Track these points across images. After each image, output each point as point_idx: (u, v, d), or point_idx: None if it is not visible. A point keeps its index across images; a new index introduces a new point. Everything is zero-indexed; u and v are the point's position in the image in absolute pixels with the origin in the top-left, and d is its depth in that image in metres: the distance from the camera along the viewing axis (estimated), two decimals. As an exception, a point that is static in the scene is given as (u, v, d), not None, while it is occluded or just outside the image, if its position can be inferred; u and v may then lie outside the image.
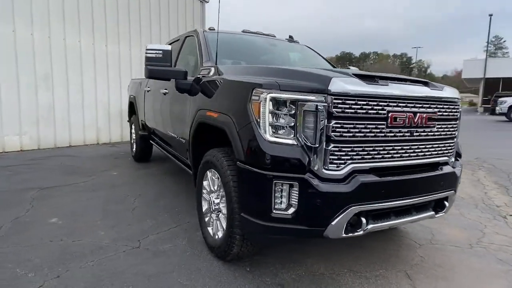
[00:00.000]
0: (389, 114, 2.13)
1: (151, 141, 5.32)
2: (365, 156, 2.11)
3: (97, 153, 6.99)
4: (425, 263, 2.73)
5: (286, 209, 2.04)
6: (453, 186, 2.52)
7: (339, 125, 2.01)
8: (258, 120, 2.08)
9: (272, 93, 2.03)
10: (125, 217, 3.49)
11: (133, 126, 6.29)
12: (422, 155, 2.34)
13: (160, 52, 3.17)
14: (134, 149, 6.21)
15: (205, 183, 2.86)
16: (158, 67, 3.17)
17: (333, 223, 2.02)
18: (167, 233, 3.12)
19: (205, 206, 2.90)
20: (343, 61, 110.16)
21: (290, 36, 4.43)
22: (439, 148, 2.44)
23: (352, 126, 2.04)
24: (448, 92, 2.45)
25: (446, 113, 2.43)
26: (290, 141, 2.02)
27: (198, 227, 3.23)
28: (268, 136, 2.05)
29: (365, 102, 2.05)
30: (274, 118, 2.05)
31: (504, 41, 70.06)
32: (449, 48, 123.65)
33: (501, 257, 2.86)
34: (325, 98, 1.98)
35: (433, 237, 3.23)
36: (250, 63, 3.45)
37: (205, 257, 2.68)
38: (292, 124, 2.03)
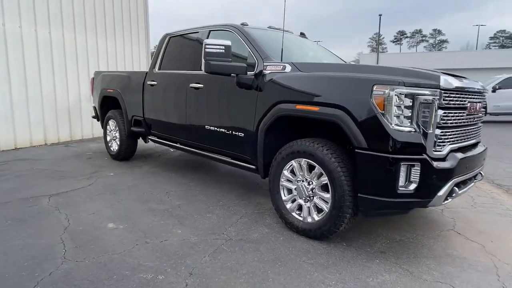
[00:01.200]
0: (468, 104, 2.70)
1: (151, 138, 5.07)
2: (455, 138, 2.64)
3: (59, 154, 6.24)
4: (459, 222, 3.44)
5: (407, 185, 2.44)
6: (484, 160, 3.25)
7: (444, 114, 2.49)
8: (383, 111, 2.42)
9: (398, 88, 2.39)
10: (181, 214, 3.42)
11: (110, 123, 5.83)
12: (475, 136, 2.99)
13: (222, 47, 3.23)
14: (115, 148, 5.77)
15: (285, 172, 3.06)
16: (220, 62, 3.21)
17: (439, 193, 2.50)
18: (241, 224, 3.22)
19: (285, 195, 3.10)
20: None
21: (302, 33, 4.75)
22: (479, 130, 3.13)
23: (452, 114, 2.55)
24: (482, 85, 3.14)
25: (484, 102, 3.12)
26: (409, 129, 2.42)
27: (261, 216, 3.43)
28: (394, 125, 2.40)
29: (458, 95, 2.57)
30: (397, 109, 2.41)
31: (383, 38, 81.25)
32: (338, 43, 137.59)
33: (499, 212, 3.76)
34: (437, 92, 2.42)
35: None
36: (288, 59, 3.67)
37: (300, 239, 2.91)
38: (409, 114, 2.42)
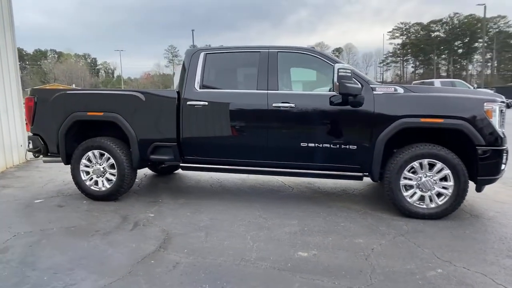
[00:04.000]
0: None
1: (184, 165, 4.47)
2: (500, 132, 4.20)
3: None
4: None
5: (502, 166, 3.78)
6: None
7: (504, 118, 3.99)
8: (491, 119, 3.65)
9: (497, 103, 3.68)
10: (324, 230, 3.57)
11: (91, 155, 4.58)
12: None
13: (349, 71, 3.72)
14: (103, 186, 4.58)
15: (406, 172, 3.83)
16: (351, 85, 3.68)
17: (505, 169, 3.98)
18: (375, 224, 3.73)
19: (406, 190, 3.86)
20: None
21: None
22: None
23: (503, 117, 4.08)
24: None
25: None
26: (500, 129, 3.75)
27: (371, 215, 4.05)
28: (498, 128, 3.68)
29: (503, 104, 4.13)
30: (497, 117, 3.70)
31: (178, 50, 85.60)
32: (133, 52, 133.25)
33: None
34: (505, 104, 3.87)
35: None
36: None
37: (431, 222, 3.76)
38: (497, 119, 3.76)
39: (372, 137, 3.88)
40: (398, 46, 77.20)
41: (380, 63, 79.41)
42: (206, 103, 4.25)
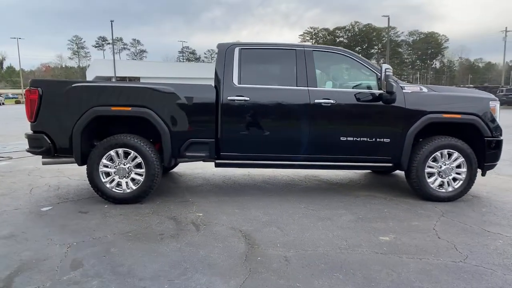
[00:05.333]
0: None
1: (220, 161, 4.35)
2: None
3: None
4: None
5: (499, 152, 4.60)
6: None
7: (494, 114, 4.83)
8: (494, 115, 4.43)
9: (498, 103, 4.47)
10: (385, 216, 3.91)
11: (114, 154, 4.15)
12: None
13: (391, 70, 4.13)
14: (127, 187, 4.19)
15: (429, 161, 4.40)
16: (393, 84, 4.10)
17: (493, 156, 4.85)
18: (409, 208, 4.21)
19: (430, 177, 4.42)
20: None
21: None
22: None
23: (491, 115, 4.93)
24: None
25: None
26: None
27: (401, 201, 4.54)
28: (498, 121, 4.47)
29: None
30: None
31: (84, 41, 77.87)
32: (28, 43, 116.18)
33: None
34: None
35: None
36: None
37: (450, 203, 4.40)
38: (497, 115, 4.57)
39: (403, 131, 4.34)
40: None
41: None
42: (248, 98, 4.21)
